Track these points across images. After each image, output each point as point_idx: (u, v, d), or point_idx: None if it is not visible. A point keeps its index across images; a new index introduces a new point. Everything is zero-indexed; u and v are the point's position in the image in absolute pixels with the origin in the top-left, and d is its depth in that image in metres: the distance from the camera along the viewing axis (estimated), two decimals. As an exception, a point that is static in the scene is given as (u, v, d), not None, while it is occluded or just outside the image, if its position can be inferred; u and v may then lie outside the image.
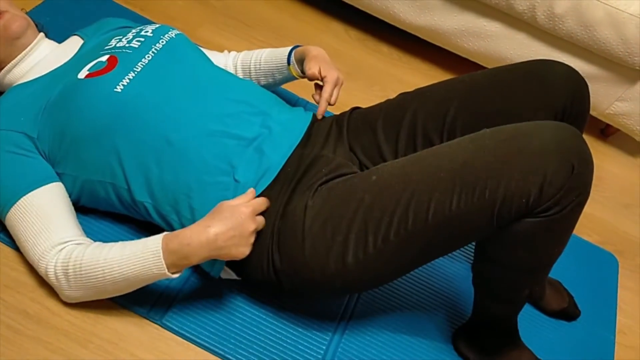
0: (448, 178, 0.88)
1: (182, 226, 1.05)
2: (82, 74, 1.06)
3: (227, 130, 1.06)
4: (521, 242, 0.89)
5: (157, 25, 1.19)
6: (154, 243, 0.94)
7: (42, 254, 1.00)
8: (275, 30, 1.72)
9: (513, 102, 1.03)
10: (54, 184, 1.06)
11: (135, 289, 1.00)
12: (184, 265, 0.94)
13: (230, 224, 0.93)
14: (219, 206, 0.96)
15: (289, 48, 1.26)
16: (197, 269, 1.15)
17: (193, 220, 1.03)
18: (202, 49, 1.31)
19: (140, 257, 0.95)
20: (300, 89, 1.54)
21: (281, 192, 1.03)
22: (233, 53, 1.36)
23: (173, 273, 0.95)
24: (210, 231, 0.92)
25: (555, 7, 1.48)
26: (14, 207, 1.02)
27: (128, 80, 1.04)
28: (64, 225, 1.02)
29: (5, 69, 1.15)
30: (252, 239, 0.96)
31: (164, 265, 0.93)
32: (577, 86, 1.01)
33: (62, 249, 0.99)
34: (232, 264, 1.08)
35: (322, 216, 0.97)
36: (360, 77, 1.70)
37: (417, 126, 1.11)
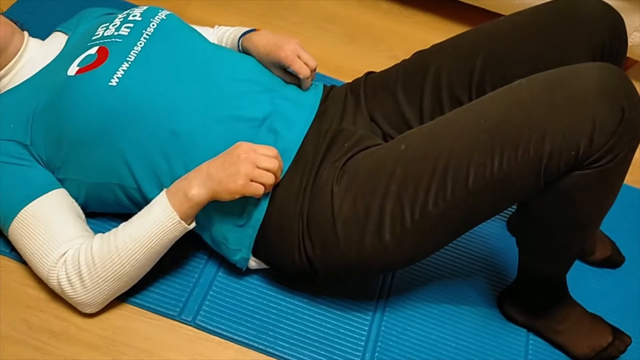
0: (486, 138, 0.81)
1: (201, 226, 1.00)
2: (71, 70, 0.98)
3: (234, 113, 0.99)
4: (570, 198, 0.83)
5: (145, 8, 1.10)
6: (157, 199, 0.92)
7: (51, 267, 0.94)
8: (268, 0, 1.63)
9: (546, 47, 0.95)
10: (55, 191, 0.99)
11: (155, 258, 0.95)
12: (190, 206, 0.90)
13: (223, 157, 0.92)
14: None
15: (240, 34, 1.16)
16: (222, 263, 1.09)
17: (209, 214, 0.97)
18: (194, 27, 1.23)
19: (149, 217, 0.91)
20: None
21: (304, 174, 0.96)
22: (218, 28, 1.27)
23: (186, 222, 0.92)
24: (206, 163, 0.92)
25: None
26: (14, 220, 0.96)
27: (122, 72, 0.96)
28: (68, 230, 0.96)
29: (-3, 77, 1.07)
30: (247, 172, 0.89)
31: (174, 213, 0.90)
32: (614, 22, 0.93)
33: (67, 252, 0.94)
34: (262, 255, 1.02)
35: (352, 195, 0.90)
36: (362, 38, 1.61)
37: (442, 85, 1.03)
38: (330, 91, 1.14)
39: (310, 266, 0.97)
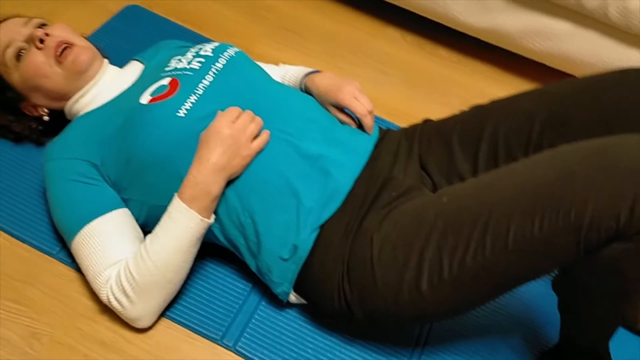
0: (528, 200, 0.83)
1: (250, 251, 1.04)
2: (144, 99, 1.05)
3: (290, 149, 1.04)
4: (612, 267, 0.83)
5: (217, 44, 1.17)
6: (173, 206, 0.99)
7: (102, 286, 1.01)
8: (329, 40, 1.69)
9: (609, 115, 0.96)
10: (119, 210, 1.06)
11: (190, 259, 1.02)
12: (210, 202, 0.99)
13: (218, 142, 0.98)
14: (200, 137, 1.00)
15: (304, 74, 1.22)
16: (266, 292, 1.13)
17: (259, 245, 1.01)
18: (260, 64, 1.30)
19: (172, 225, 0.98)
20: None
21: (351, 219, 1.00)
22: (282, 66, 1.34)
23: (208, 217, 0.99)
24: (206, 160, 0.97)
25: (628, 3, 1.40)
26: (77, 235, 1.02)
27: (190, 104, 1.03)
28: (122, 251, 1.02)
29: (72, 99, 1.16)
30: (249, 138, 1.00)
31: (195, 214, 0.97)
32: None
33: (113, 272, 1.00)
34: (303, 291, 1.06)
35: (392, 243, 0.93)
36: (419, 84, 1.65)
37: (499, 142, 1.05)
38: (385, 135, 1.18)
39: (348, 309, 0.99)
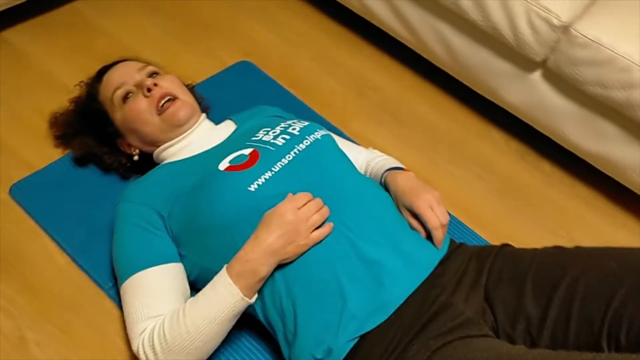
0: None
1: (286, 338, 1.01)
2: (222, 165, 1.07)
3: (350, 248, 1.00)
4: None
5: (306, 124, 1.18)
6: (219, 277, 0.98)
7: (136, 337, 1.00)
8: (428, 131, 1.65)
9: None
10: (173, 264, 1.06)
11: (223, 332, 1.01)
12: (255, 282, 0.97)
13: (279, 225, 0.97)
14: (263, 216, 0.99)
15: (387, 168, 1.20)
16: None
17: (295, 336, 0.98)
18: (349, 144, 1.28)
19: (213, 296, 0.97)
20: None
21: (394, 338, 0.93)
22: (371, 150, 1.32)
23: (249, 296, 0.97)
24: (262, 240, 0.96)
25: None
26: (129, 279, 1.04)
27: (263, 180, 1.03)
28: (163, 307, 1.02)
29: (162, 147, 1.20)
30: (310, 229, 0.98)
31: (237, 290, 0.96)
32: None
33: (147, 328, 1.00)
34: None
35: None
36: (512, 195, 1.56)
37: (575, 298, 0.95)
38: (456, 250, 1.11)
39: None
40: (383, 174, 1.19)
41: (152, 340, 0.98)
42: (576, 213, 1.55)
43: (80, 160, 1.31)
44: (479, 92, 1.65)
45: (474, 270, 1.06)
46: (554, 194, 1.59)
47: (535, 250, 1.07)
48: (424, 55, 1.69)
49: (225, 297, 0.97)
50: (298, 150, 1.10)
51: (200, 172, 1.08)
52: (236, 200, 1.02)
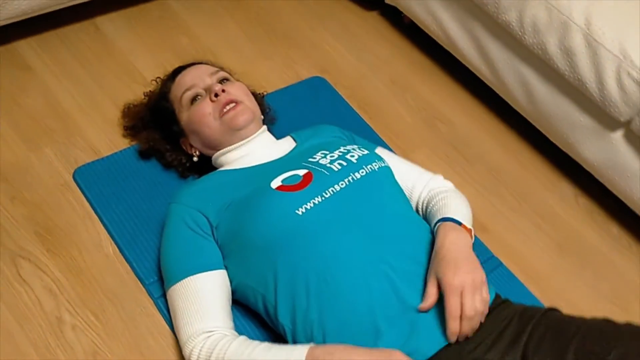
0: None
1: None
2: (274, 184, 1.07)
3: (389, 288, 0.98)
4: None
5: (366, 152, 1.16)
6: (299, 351, 0.93)
7: (191, 337, 1.01)
8: (495, 174, 1.60)
9: None
10: (221, 271, 1.07)
11: None
12: None
13: (379, 357, 0.90)
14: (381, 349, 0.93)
15: (443, 217, 1.08)
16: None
17: None
18: (400, 161, 1.26)
19: (283, 357, 0.93)
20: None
21: None
22: (427, 180, 1.24)
23: None
24: (356, 353, 0.91)
25: None
26: (179, 283, 1.05)
27: (312, 205, 1.02)
28: (218, 314, 1.03)
29: (221, 151, 1.22)
30: None
31: None
32: None
33: (209, 337, 1.00)
34: None
35: None
36: (572, 254, 1.48)
37: None
38: (500, 305, 1.06)
39: None
40: (436, 222, 1.10)
41: (211, 353, 0.98)
42: (637, 283, 1.46)
43: (144, 153, 1.35)
44: (554, 141, 1.58)
45: (514, 331, 1.01)
46: (618, 259, 1.50)
47: (582, 319, 1.01)
48: (503, 96, 1.63)
49: None
50: (353, 178, 1.08)
51: (252, 186, 1.09)
52: (282, 221, 1.01)
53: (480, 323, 1.00)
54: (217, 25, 1.73)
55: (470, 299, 0.93)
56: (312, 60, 1.71)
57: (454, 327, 0.93)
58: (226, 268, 1.09)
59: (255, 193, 1.07)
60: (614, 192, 1.51)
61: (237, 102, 1.19)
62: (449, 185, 1.25)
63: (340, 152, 1.15)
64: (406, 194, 1.22)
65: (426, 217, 1.19)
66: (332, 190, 1.05)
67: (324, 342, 0.97)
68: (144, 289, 1.17)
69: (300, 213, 1.01)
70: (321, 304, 0.98)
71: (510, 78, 1.56)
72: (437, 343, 0.95)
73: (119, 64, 1.56)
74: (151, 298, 1.16)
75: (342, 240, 1.01)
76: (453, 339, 0.94)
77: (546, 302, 1.31)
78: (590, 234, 1.54)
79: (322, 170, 1.09)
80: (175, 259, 1.08)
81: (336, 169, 1.09)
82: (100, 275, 1.17)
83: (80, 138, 1.38)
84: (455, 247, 0.98)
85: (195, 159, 1.28)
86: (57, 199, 1.27)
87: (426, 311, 0.96)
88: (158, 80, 1.37)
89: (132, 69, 1.56)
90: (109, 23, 1.65)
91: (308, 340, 0.99)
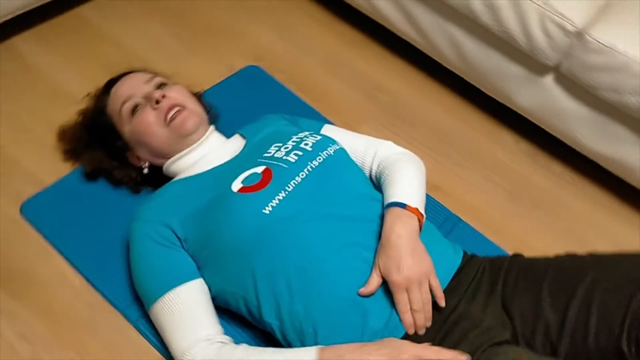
0: None
1: None
2: (235, 186, 1.06)
3: (366, 267, 1.00)
4: None
5: (319, 138, 1.16)
6: (308, 353, 0.94)
7: (188, 349, 1.00)
8: (439, 134, 1.64)
9: None
10: (198, 280, 1.06)
11: None
12: None
13: (391, 354, 0.91)
14: (387, 338, 0.94)
15: (392, 201, 1.06)
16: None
17: None
18: (347, 135, 1.26)
19: None
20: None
21: None
22: (375, 151, 1.23)
23: None
24: (367, 352, 0.91)
25: None
26: (160, 300, 1.03)
27: (277, 202, 1.03)
28: (209, 321, 1.03)
29: (172, 159, 1.19)
30: None
31: None
32: None
33: (209, 345, 0.99)
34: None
35: None
36: (523, 198, 1.55)
37: (593, 303, 0.96)
38: (468, 262, 1.11)
39: None
40: (385, 207, 1.06)
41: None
42: (588, 215, 1.55)
43: (91, 175, 1.31)
44: (490, 94, 1.63)
45: (488, 279, 1.07)
46: (564, 194, 1.59)
47: (548, 259, 1.07)
48: (435, 58, 1.66)
49: None
50: (311, 167, 1.09)
51: (213, 192, 1.08)
52: (251, 224, 1.01)
53: (457, 280, 1.05)
54: (140, 29, 1.68)
55: (416, 293, 0.96)
56: (243, 50, 1.69)
57: (408, 319, 0.97)
58: (202, 277, 1.08)
59: (217, 199, 1.06)
60: (552, 132, 1.58)
61: (180, 106, 1.16)
62: (397, 150, 1.25)
63: (293, 142, 1.14)
64: (359, 166, 1.23)
65: (377, 185, 1.21)
66: (293, 183, 1.05)
67: (314, 333, 0.99)
68: (120, 314, 1.15)
69: (267, 212, 1.01)
70: (304, 295, 0.99)
71: (439, 39, 1.59)
72: None
73: (44, 85, 1.49)
74: (129, 322, 1.14)
75: (313, 230, 1.02)
76: (411, 330, 0.97)
77: (509, 249, 1.37)
78: (535, 176, 1.61)
79: (280, 164, 1.09)
80: (151, 276, 1.06)
81: (293, 160, 1.09)
82: (71, 310, 1.14)
83: (19, 170, 1.32)
84: (400, 242, 0.98)
85: (145, 171, 1.24)
86: (8, 239, 1.22)
87: (366, 296, 0.98)
88: (90, 96, 1.32)
89: (59, 89, 1.49)
90: (24, 43, 1.57)
91: (298, 333, 1.00)
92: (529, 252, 1.14)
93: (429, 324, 0.98)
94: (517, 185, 1.58)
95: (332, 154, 1.13)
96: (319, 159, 1.10)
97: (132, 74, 1.24)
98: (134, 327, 1.13)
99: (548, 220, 1.51)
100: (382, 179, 1.18)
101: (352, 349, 0.93)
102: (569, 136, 1.54)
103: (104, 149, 1.26)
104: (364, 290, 0.98)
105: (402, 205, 1.04)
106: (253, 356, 0.96)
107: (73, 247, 1.21)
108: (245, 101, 1.55)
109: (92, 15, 1.67)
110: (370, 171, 1.23)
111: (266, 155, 1.12)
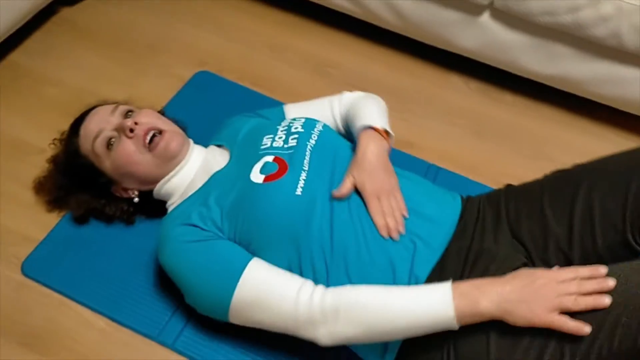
0: None
1: None
2: (257, 178, 1.07)
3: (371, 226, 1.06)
4: None
5: (303, 120, 1.19)
6: (443, 285, 0.94)
7: (299, 291, 0.98)
8: (393, 92, 1.69)
9: None
10: (255, 258, 1.04)
11: (410, 334, 0.96)
12: (471, 312, 0.91)
13: (525, 282, 0.91)
14: (523, 271, 0.95)
15: (362, 124, 1.14)
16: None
17: None
18: (309, 106, 1.31)
19: (426, 295, 0.94)
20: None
21: None
22: (337, 104, 1.30)
23: (456, 322, 0.92)
24: (502, 282, 0.93)
25: None
26: (237, 287, 1.00)
27: (303, 182, 1.06)
28: (294, 278, 1.02)
29: (162, 181, 1.18)
30: (557, 306, 0.88)
31: (452, 306, 0.91)
32: None
33: (322, 288, 0.98)
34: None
35: (510, 331, 0.92)
36: (488, 133, 1.64)
37: (594, 205, 1.03)
38: (467, 203, 1.17)
39: None
40: (359, 130, 1.14)
41: (339, 300, 0.96)
42: (550, 134, 1.65)
43: (81, 219, 1.29)
44: (433, 45, 1.70)
45: (491, 214, 1.13)
46: (522, 120, 1.68)
47: (538, 180, 1.15)
48: (375, 23, 1.71)
49: (436, 305, 0.93)
50: (311, 145, 1.12)
51: (234, 191, 1.08)
52: (290, 207, 1.04)
53: (463, 222, 1.12)
54: (76, 63, 1.64)
55: (385, 200, 1.06)
56: (187, 58, 1.68)
57: (380, 221, 1.05)
58: None
59: (244, 195, 1.06)
60: (498, 66, 1.67)
61: (155, 129, 1.15)
62: (355, 94, 1.29)
63: (283, 129, 1.17)
64: (333, 127, 1.27)
65: (347, 129, 1.26)
66: (306, 163, 1.09)
67: None
68: (154, 343, 1.15)
69: (300, 193, 1.04)
70: (338, 264, 1.03)
71: (374, 4, 1.64)
72: (438, 249, 1.05)
73: (1, 142, 1.44)
74: (167, 347, 1.15)
75: (333, 202, 1.07)
76: (384, 232, 1.05)
77: (492, 184, 1.46)
78: (493, 110, 1.70)
79: (285, 151, 1.11)
80: (217, 270, 1.02)
81: (295, 144, 1.12)
82: (105, 352, 1.14)
83: (7, 235, 1.29)
84: (375, 158, 1.09)
85: (136, 200, 1.23)
86: (21, 303, 1.19)
87: (339, 198, 1.06)
88: (56, 142, 1.30)
89: (18, 142, 1.44)
90: (-36, 105, 1.51)
91: None
92: (509, 181, 1.22)
93: (401, 229, 1.05)
94: (479, 123, 1.66)
95: (322, 129, 1.17)
96: (314, 136, 1.14)
97: (95, 110, 1.22)
98: (173, 350, 1.14)
99: (516, 148, 1.61)
100: (348, 119, 1.23)
101: (488, 281, 0.94)
102: (514, 66, 1.63)
103: (87, 190, 1.24)
104: (336, 192, 1.06)
105: (373, 128, 1.13)
106: (383, 294, 0.96)
107: (86, 292, 1.20)
108: (205, 108, 1.55)
109: (24, 60, 1.62)
110: (341, 124, 1.28)
111: (264, 147, 1.14)
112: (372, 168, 1.07)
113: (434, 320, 0.93)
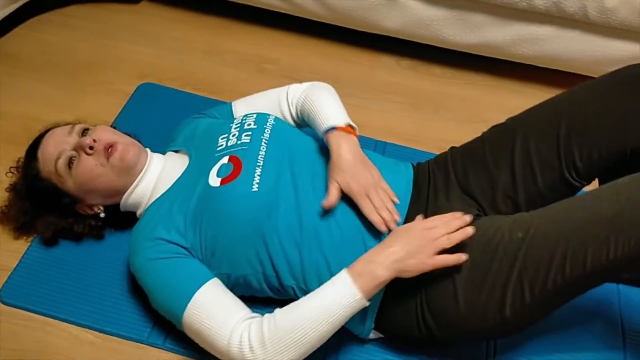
0: (601, 232, 0.94)
1: None
2: (214, 181, 1.12)
3: (343, 205, 1.12)
4: None
5: (255, 115, 1.24)
6: (339, 277, 1.02)
7: (232, 332, 1.02)
8: (330, 79, 1.70)
9: (621, 110, 1.09)
10: (213, 278, 1.10)
11: (332, 331, 1.02)
12: (374, 285, 1.00)
13: (405, 238, 1.02)
14: (395, 230, 1.06)
15: (327, 126, 1.17)
16: (346, 331, 1.20)
17: None
18: (258, 99, 1.36)
19: (330, 293, 1.01)
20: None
21: None
22: (285, 99, 1.32)
23: (365, 299, 1.00)
24: (387, 246, 1.02)
25: (606, 3, 1.52)
26: (189, 306, 1.05)
27: (258, 177, 1.11)
28: (240, 307, 1.07)
29: (126, 194, 1.22)
30: (435, 249, 1.01)
31: (356, 289, 0.99)
32: None
33: (250, 324, 1.03)
34: (380, 326, 1.15)
35: (473, 275, 1.02)
36: (422, 105, 1.74)
37: (531, 151, 1.14)
38: (417, 170, 1.27)
39: (429, 335, 1.09)
40: (324, 133, 1.17)
41: (262, 332, 1.00)
42: (479, 99, 1.78)
43: (51, 241, 1.30)
44: (361, 30, 1.79)
45: (440, 175, 1.23)
46: (453, 89, 1.80)
47: (478, 138, 1.25)
48: (303, 16, 1.79)
49: (343, 295, 1.00)
50: (265, 139, 1.18)
51: (193, 197, 1.12)
52: (248, 205, 1.09)
53: (416, 188, 1.21)
54: (17, 92, 1.63)
55: (374, 194, 1.10)
56: (126, 73, 1.71)
57: (377, 219, 1.08)
58: (219, 274, 1.12)
59: (204, 199, 1.11)
60: (423, 41, 1.78)
61: (113, 143, 1.18)
62: (303, 86, 1.31)
63: (236, 127, 1.21)
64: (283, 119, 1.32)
65: (302, 121, 1.30)
66: (261, 158, 1.14)
67: (329, 269, 1.09)
68: (146, 346, 1.19)
69: (256, 189, 1.10)
70: (310, 244, 1.10)
71: (301, -2, 1.72)
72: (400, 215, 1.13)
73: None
74: (158, 347, 1.18)
75: (295, 188, 1.13)
76: (383, 228, 1.08)
77: (437, 151, 1.55)
78: (424, 83, 1.81)
79: (240, 148, 1.16)
80: (171, 293, 1.08)
81: (249, 140, 1.17)
82: (101, 363, 1.17)
83: (-24, 268, 1.29)
84: (351, 156, 1.12)
85: (102, 215, 1.26)
86: (6, 331, 1.19)
87: (329, 208, 1.10)
88: (12, 169, 1.31)
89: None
90: None
91: (319, 281, 1.08)
92: (451, 145, 1.30)
93: (397, 217, 1.10)
94: (414, 97, 1.76)
95: (274, 122, 1.23)
96: (267, 130, 1.20)
97: (50, 132, 1.24)
98: (164, 349, 1.18)
99: (451, 115, 1.72)
100: (305, 114, 1.27)
101: (375, 252, 1.03)
102: (438, 39, 1.75)
103: (53, 211, 1.26)
104: (325, 202, 1.09)
105: (337, 127, 1.15)
106: (293, 310, 1.01)
107: (69, 309, 1.21)
108: (155, 117, 1.58)
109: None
110: (291, 116, 1.32)
111: (220, 148, 1.18)
112: (350, 167, 1.10)
113: (348, 307, 1.00)
